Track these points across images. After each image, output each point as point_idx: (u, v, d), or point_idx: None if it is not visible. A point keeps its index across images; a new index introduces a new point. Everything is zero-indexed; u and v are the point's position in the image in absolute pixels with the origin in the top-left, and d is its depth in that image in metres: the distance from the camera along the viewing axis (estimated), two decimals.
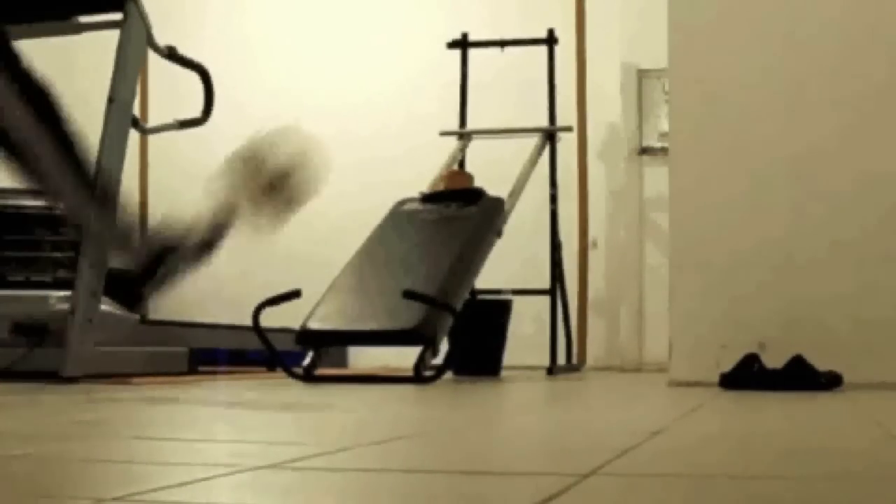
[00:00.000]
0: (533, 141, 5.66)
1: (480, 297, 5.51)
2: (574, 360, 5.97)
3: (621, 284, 6.61)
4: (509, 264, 5.75)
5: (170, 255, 3.01)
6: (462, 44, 6.09)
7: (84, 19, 4.69)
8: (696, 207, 4.32)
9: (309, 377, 4.38)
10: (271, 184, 2.99)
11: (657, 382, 4.53)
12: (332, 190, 7.14)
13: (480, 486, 1.47)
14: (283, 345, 4.67)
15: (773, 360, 3.95)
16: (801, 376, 3.84)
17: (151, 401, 3.24)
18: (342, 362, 6.29)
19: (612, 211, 6.68)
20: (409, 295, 4.29)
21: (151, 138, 7.01)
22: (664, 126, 5.96)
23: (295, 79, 7.17)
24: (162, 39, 4.69)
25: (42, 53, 7.52)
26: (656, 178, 6.32)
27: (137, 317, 5.00)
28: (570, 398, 3.85)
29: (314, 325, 4.50)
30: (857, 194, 4.17)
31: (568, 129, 5.92)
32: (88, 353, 4.20)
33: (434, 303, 4.35)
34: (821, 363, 3.89)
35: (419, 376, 4.26)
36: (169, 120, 5.06)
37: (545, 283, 5.64)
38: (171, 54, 4.78)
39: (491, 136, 5.95)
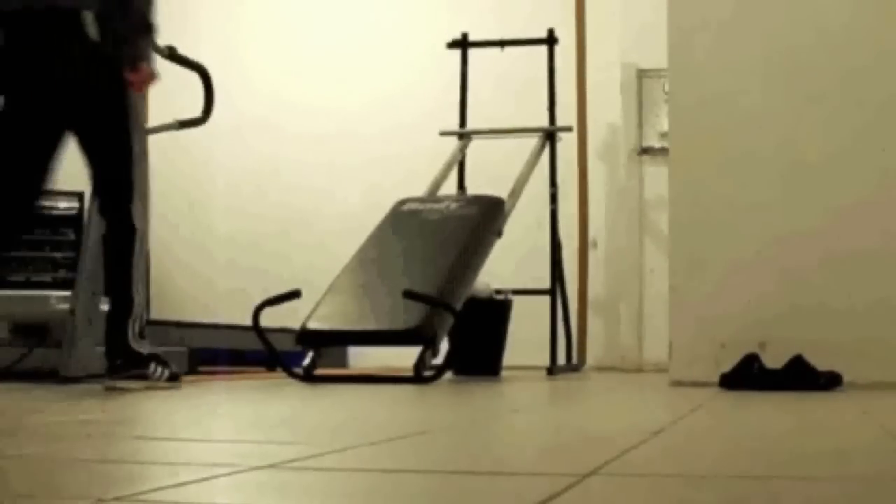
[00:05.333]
0: (533, 141, 5.66)
1: (479, 296, 5.50)
2: (574, 360, 5.97)
3: (621, 284, 6.61)
4: (509, 264, 5.74)
5: None
6: (462, 44, 6.08)
7: None
8: (696, 207, 4.31)
9: (309, 377, 4.38)
10: None
11: (657, 382, 4.53)
12: (332, 190, 7.17)
13: (480, 486, 1.46)
14: (283, 345, 4.66)
15: (773, 360, 3.95)
16: (801, 376, 3.84)
17: (151, 401, 3.24)
18: (342, 362, 6.29)
19: (612, 211, 6.68)
20: (409, 295, 4.29)
21: (151, 138, 7.00)
22: (664, 126, 5.95)
23: (295, 79, 7.16)
24: (162, 39, 4.69)
25: None
26: (656, 178, 6.31)
27: None
28: (570, 398, 3.85)
29: (314, 325, 4.50)
30: (857, 194, 4.17)
31: (568, 129, 5.91)
32: (88, 353, 4.19)
33: (434, 303, 4.35)
34: (821, 363, 3.89)
35: (419, 376, 4.26)
36: (169, 120, 5.05)
37: (545, 283, 5.63)
38: (172, 54, 4.77)
39: (491, 136, 5.94)
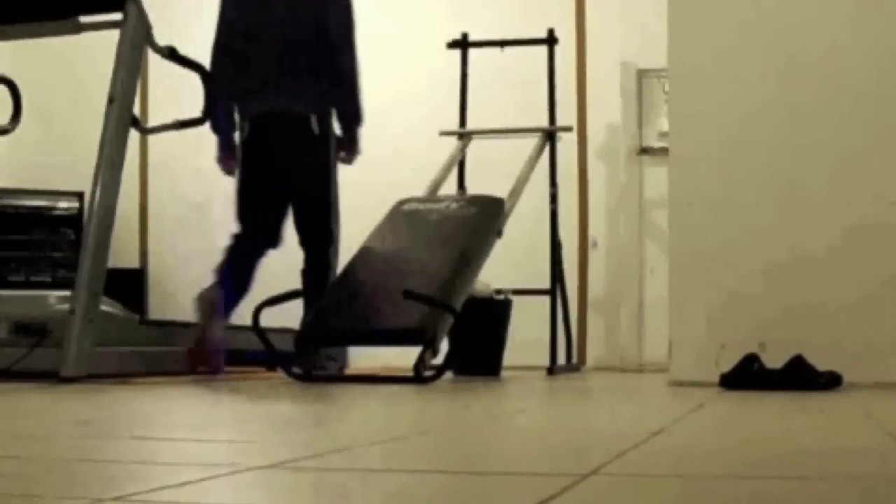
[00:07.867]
0: (533, 141, 5.66)
1: (479, 296, 5.50)
2: (574, 360, 5.97)
3: (621, 284, 6.61)
4: (509, 264, 5.74)
5: None
6: (462, 44, 6.08)
7: (84, 19, 4.69)
8: (696, 207, 4.31)
9: (309, 377, 4.38)
10: None
11: (657, 382, 4.53)
12: None
13: (480, 486, 1.47)
14: (283, 345, 4.66)
15: (773, 360, 3.95)
16: (801, 376, 3.84)
17: (151, 401, 3.24)
18: (342, 362, 6.27)
19: (612, 211, 6.67)
20: (408, 295, 4.29)
21: (151, 138, 7.01)
22: (664, 126, 5.95)
23: None
24: (162, 39, 4.69)
25: (41, 53, 7.52)
26: (656, 178, 6.31)
27: (137, 317, 5.00)
28: (571, 398, 3.85)
29: (314, 324, 4.50)
30: (856, 193, 4.17)
31: (568, 129, 5.91)
32: (88, 353, 4.19)
33: (434, 303, 4.35)
34: (821, 363, 3.89)
35: (419, 376, 4.26)
36: (169, 120, 5.06)
37: (545, 283, 5.63)
38: (172, 54, 4.78)
39: (491, 136, 5.94)
